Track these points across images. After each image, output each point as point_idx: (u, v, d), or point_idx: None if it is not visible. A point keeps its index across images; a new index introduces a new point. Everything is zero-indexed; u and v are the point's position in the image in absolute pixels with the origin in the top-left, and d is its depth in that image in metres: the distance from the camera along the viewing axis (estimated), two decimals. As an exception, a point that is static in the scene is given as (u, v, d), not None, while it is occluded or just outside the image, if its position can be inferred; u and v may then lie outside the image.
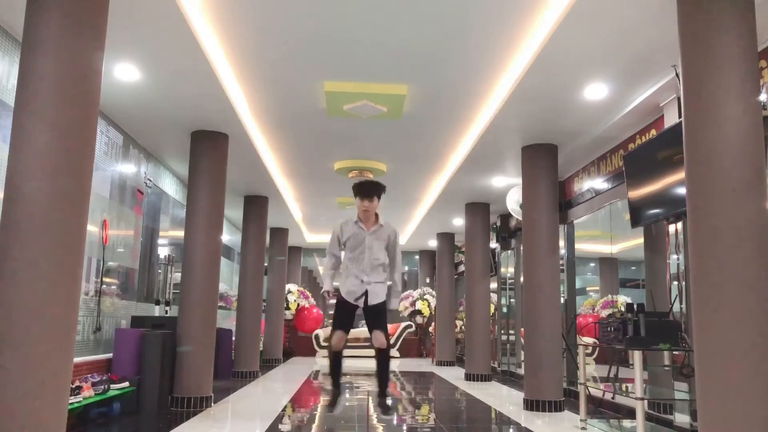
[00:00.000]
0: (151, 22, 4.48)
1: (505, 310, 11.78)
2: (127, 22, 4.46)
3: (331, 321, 5.68)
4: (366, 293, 5.00)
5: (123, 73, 5.35)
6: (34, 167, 3.36)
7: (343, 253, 5.18)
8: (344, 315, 5.13)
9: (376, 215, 5.14)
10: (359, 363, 12.66)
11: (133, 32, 4.65)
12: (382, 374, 5.19)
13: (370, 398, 5.36)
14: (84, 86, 3.56)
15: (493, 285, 11.68)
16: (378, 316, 5.12)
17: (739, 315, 3.23)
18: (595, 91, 5.57)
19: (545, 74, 5.20)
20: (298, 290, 15.30)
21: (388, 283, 5.25)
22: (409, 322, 15.68)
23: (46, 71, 3.44)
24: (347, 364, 12.42)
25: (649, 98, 5.58)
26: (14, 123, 3.45)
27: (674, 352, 5.03)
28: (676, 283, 5.59)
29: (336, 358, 5.25)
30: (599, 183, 7.35)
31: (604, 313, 7.89)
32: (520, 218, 7.87)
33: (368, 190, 5.00)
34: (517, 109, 6.00)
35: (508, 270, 11.70)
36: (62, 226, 3.38)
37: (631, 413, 5.70)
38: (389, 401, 5.19)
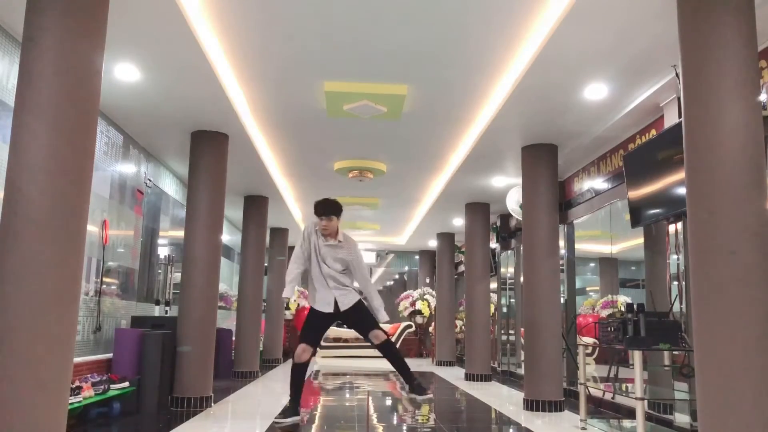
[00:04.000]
0: (151, 22, 4.48)
1: (505, 310, 11.77)
2: (127, 22, 4.46)
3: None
4: (336, 301, 5.18)
5: (123, 73, 5.35)
6: (34, 167, 3.36)
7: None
8: (312, 328, 5.30)
9: (337, 230, 5.31)
10: (359, 363, 12.66)
11: (133, 32, 4.66)
12: (400, 364, 5.24)
13: (404, 389, 5.27)
14: (84, 86, 3.56)
15: (493, 285, 11.68)
16: (362, 316, 5.26)
17: (739, 315, 3.23)
18: (595, 91, 5.57)
19: (545, 74, 5.20)
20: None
21: (364, 297, 5.36)
22: (409, 322, 15.67)
23: (46, 71, 3.44)
24: (346, 364, 12.44)
25: (649, 98, 5.58)
26: (14, 123, 3.45)
27: (674, 352, 5.03)
28: (676, 283, 5.59)
29: (296, 370, 5.29)
30: (599, 183, 7.35)
31: (604, 313, 7.89)
32: (520, 218, 7.87)
33: (325, 209, 5.23)
34: (517, 109, 6.00)
35: (508, 270, 11.70)
36: (62, 226, 3.38)
37: (631, 413, 5.70)
38: (420, 383, 5.26)
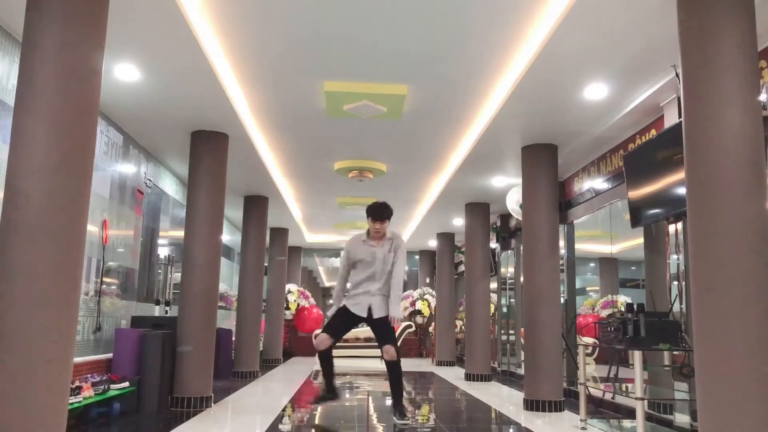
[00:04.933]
0: (151, 22, 4.48)
1: (505, 310, 11.78)
2: (127, 22, 4.46)
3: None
4: (370, 307, 5.38)
5: (123, 72, 5.35)
6: (34, 167, 3.36)
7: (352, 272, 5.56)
8: (339, 323, 5.53)
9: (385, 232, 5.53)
10: (359, 363, 12.66)
11: (133, 32, 4.65)
12: (397, 385, 5.52)
13: (391, 408, 5.62)
14: (84, 86, 3.56)
15: (493, 285, 11.68)
16: (386, 329, 5.44)
17: (739, 315, 3.23)
18: (595, 91, 5.57)
19: (545, 74, 5.20)
20: (298, 290, 15.29)
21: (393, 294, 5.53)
22: (409, 322, 15.67)
23: (46, 71, 3.44)
24: (347, 364, 12.44)
25: (649, 98, 5.58)
26: (14, 123, 3.45)
27: (674, 352, 5.03)
28: (676, 283, 5.59)
29: (322, 358, 5.60)
30: (599, 183, 7.35)
31: (604, 313, 7.89)
32: (520, 218, 7.87)
33: (381, 212, 5.39)
34: (517, 109, 6.00)
35: (508, 270, 11.70)
36: (62, 226, 3.38)
37: (631, 413, 5.70)
38: (406, 410, 5.68)
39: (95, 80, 3.65)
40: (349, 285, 5.60)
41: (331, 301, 5.70)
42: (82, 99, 3.55)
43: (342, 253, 5.61)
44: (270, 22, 4.69)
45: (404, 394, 5.67)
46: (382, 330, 5.43)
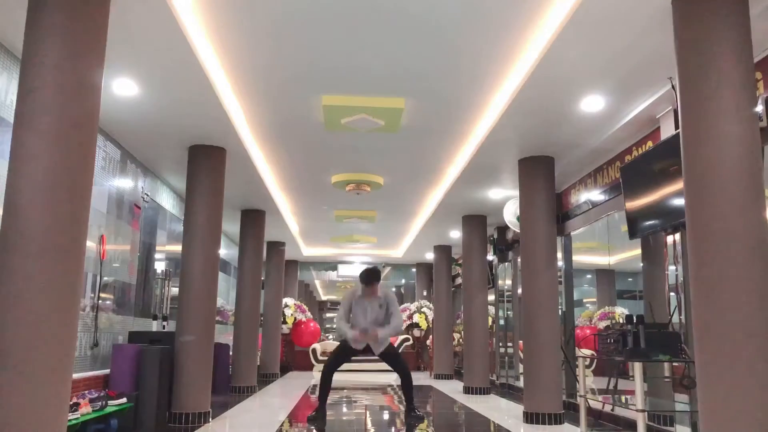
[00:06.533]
0: (149, 38, 4.49)
1: (502, 322, 11.75)
2: (126, 38, 4.47)
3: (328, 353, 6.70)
4: (369, 345, 6.43)
5: (121, 87, 5.36)
6: (34, 183, 3.35)
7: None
8: (341, 359, 6.58)
9: (377, 290, 6.51)
10: (356, 377, 12.61)
11: (131, 47, 4.67)
12: (408, 392, 6.67)
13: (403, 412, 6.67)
14: (83, 102, 3.56)
15: (491, 297, 11.67)
16: (394, 358, 6.69)
17: (739, 326, 3.24)
18: (592, 104, 5.60)
19: (542, 87, 5.23)
20: (295, 304, 15.24)
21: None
22: (407, 335, 15.62)
23: (46, 87, 3.44)
24: (345, 378, 12.42)
25: (646, 110, 5.61)
26: (13, 139, 3.44)
27: (674, 364, 5.03)
28: (674, 294, 5.59)
29: (330, 379, 6.51)
30: (596, 195, 7.37)
31: (602, 325, 7.89)
32: (518, 230, 7.87)
33: (369, 279, 6.42)
34: (514, 122, 6.02)
35: (505, 282, 11.69)
36: (62, 242, 3.37)
37: (630, 425, 5.69)
38: (418, 411, 6.77)
39: (95, 97, 3.66)
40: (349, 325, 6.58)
41: (343, 330, 6.51)
42: (82, 115, 3.54)
43: (343, 300, 6.65)
44: (268, 37, 4.71)
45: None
46: (390, 360, 6.66)
